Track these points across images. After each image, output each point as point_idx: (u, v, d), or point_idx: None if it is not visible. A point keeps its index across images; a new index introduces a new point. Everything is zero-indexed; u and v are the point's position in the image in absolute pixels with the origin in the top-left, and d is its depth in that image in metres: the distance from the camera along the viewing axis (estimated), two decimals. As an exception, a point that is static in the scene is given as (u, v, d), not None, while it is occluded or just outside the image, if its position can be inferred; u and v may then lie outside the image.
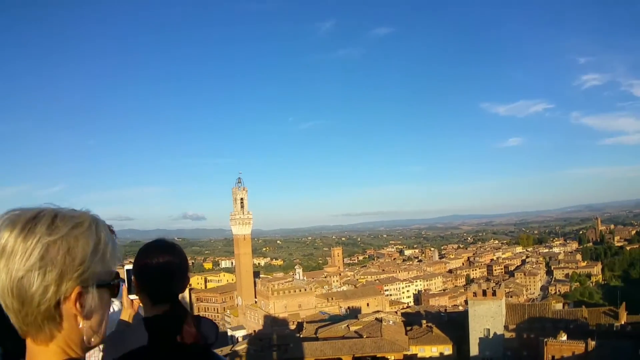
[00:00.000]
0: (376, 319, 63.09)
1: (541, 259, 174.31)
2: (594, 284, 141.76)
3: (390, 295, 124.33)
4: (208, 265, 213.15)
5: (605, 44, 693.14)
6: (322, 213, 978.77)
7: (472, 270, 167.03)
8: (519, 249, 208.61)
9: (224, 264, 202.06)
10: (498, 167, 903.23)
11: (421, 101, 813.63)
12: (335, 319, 73.18)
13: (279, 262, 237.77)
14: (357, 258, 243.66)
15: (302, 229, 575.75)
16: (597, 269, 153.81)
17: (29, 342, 1.34)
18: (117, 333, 2.61)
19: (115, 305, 3.82)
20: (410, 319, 66.31)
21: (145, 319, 2.37)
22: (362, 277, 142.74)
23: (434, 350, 57.88)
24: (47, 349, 1.33)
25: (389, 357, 52.38)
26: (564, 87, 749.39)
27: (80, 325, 1.34)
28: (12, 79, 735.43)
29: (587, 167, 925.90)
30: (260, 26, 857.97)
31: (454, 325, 60.36)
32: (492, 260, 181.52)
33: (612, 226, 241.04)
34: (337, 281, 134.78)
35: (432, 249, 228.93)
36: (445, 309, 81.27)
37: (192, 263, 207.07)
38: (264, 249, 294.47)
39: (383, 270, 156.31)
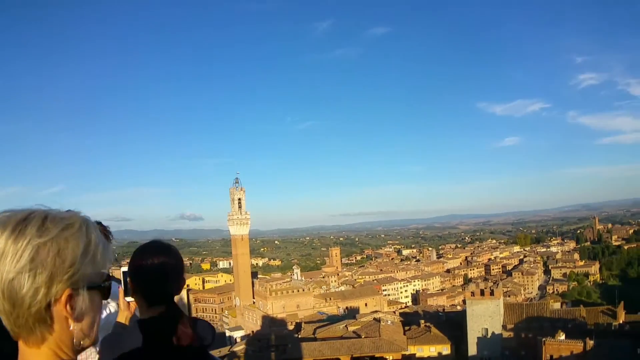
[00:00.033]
0: (374, 319, 63.06)
1: (539, 258, 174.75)
2: (591, 283, 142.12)
3: (389, 295, 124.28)
4: (206, 265, 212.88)
5: (602, 44, 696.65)
6: (320, 213, 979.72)
7: (470, 269, 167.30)
8: (516, 249, 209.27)
9: (222, 264, 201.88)
10: (495, 167, 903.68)
11: (418, 101, 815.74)
12: (333, 319, 73.24)
13: (277, 262, 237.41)
14: (355, 258, 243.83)
15: (300, 229, 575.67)
16: (594, 268, 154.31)
17: (21, 345, 1.34)
18: (113, 335, 2.60)
19: (112, 307, 3.80)
20: (409, 319, 66.29)
21: (140, 321, 2.36)
22: (360, 277, 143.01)
23: (432, 350, 57.91)
24: (39, 352, 1.32)
25: (387, 357, 52.34)
26: (561, 87, 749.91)
27: (71, 328, 1.33)
28: (12, 79, 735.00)
29: (585, 167, 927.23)
30: (258, 26, 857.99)
31: (452, 325, 60.42)
32: (489, 259, 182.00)
33: (609, 225, 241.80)
34: (335, 281, 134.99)
35: (430, 248, 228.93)
36: (444, 309, 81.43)
37: (190, 264, 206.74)
38: (262, 249, 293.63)
39: (381, 270, 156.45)
